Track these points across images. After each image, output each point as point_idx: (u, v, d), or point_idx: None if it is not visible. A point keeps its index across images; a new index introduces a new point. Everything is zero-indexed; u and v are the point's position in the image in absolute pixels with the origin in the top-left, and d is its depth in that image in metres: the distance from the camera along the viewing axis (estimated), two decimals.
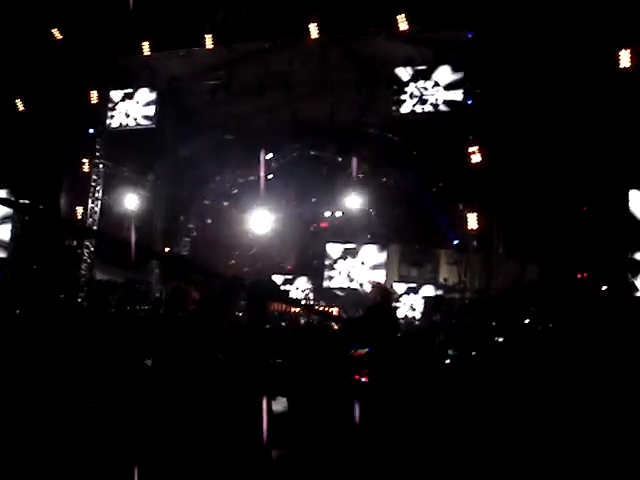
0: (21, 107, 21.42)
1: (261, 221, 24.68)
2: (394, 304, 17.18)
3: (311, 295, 23.53)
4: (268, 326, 8.64)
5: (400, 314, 18.98)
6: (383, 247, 23.40)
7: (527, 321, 17.62)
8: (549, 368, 7.77)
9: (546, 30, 15.73)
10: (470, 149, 16.77)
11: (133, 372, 5.68)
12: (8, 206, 28.30)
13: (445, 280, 21.20)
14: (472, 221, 17.06)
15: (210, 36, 18.89)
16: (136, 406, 5.01)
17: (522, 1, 15.72)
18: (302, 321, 13.77)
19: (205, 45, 19.03)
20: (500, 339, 12.30)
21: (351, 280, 23.63)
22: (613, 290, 18.70)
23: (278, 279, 23.56)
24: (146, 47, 19.58)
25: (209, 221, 25.62)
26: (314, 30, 17.64)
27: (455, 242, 19.51)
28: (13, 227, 21.31)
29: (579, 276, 21.06)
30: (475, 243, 17.87)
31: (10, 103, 21.33)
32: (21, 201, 20.60)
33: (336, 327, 12.19)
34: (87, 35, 19.69)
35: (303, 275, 24.40)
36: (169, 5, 19.18)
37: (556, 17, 15.43)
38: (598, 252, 19.38)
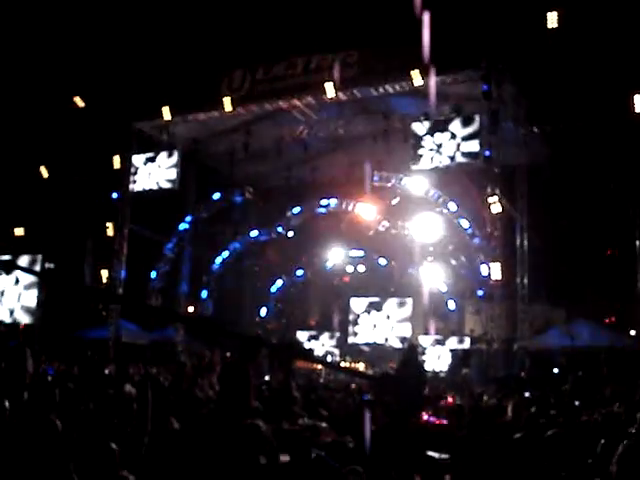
0: (45, 174, 21.76)
1: (283, 278, 24.68)
2: (421, 357, 17.01)
3: (336, 351, 23.38)
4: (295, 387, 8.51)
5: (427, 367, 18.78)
6: (407, 300, 23.31)
7: (556, 371, 17.38)
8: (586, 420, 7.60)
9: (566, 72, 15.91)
10: (490, 199, 16.78)
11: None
12: (33, 275, 28.52)
13: (472, 331, 20.99)
14: (495, 271, 16.96)
15: (228, 99, 19.19)
16: None
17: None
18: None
19: (223, 108, 19.33)
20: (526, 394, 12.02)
21: (376, 335, 23.46)
22: None
23: (302, 336, 23.45)
24: (166, 112, 19.94)
25: (231, 280, 25.64)
26: (330, 88, 17.88)
27: (479, 292, 19.37)
28: (39, 293, 21.39)
29: (607, 321, 20.77)
30: (499, 292, 17.75)
31: (36, 171, 21.68)
32: (46, 266, 20.80)
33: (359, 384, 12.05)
34: (107, 102, 20.13)
35: (327, 331, 24.26)
36: (186, 68, 19.62)
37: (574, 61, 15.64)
38: (623, 294, 19.17)
